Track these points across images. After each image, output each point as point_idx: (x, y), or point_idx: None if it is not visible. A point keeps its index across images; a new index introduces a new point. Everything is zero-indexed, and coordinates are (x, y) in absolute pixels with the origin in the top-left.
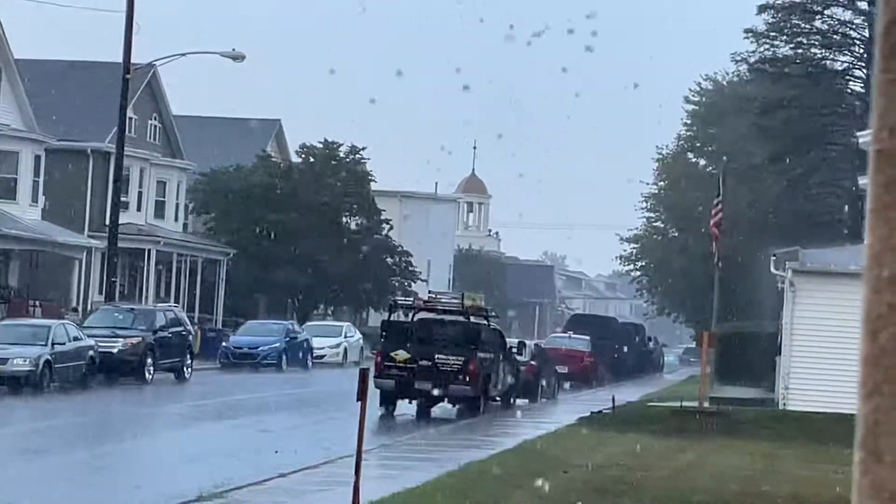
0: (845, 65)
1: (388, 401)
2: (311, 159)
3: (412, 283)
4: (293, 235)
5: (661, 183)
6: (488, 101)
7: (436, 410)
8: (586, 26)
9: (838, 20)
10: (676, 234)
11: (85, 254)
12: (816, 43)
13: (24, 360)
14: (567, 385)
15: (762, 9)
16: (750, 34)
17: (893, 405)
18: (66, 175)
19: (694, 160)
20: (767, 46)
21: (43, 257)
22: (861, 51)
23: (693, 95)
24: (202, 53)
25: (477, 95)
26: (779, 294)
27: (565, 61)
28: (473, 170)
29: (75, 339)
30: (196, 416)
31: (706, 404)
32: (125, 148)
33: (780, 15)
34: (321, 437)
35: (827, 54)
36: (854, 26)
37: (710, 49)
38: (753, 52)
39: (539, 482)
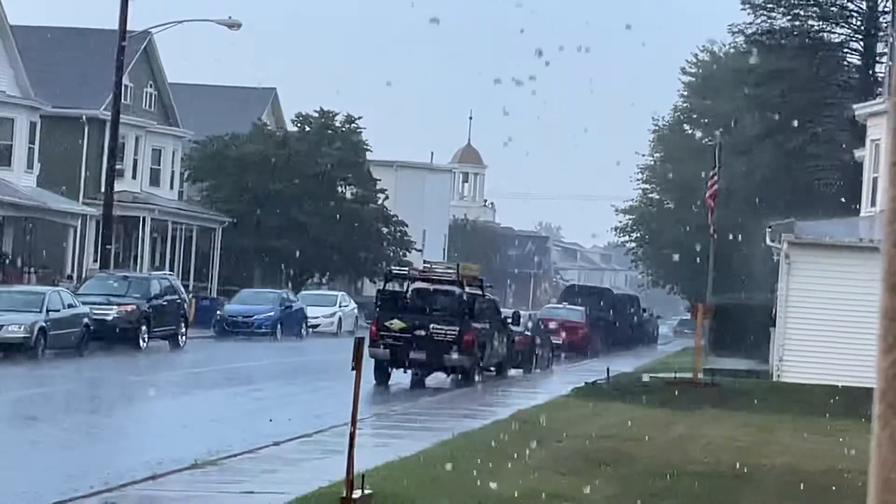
0: (842, 37)
1: (382, 370)
2: (307, 128)
3: (407, 253)
4: (288, 204)
5: (657, 154)
6: (485, 72)
7: (430, 380)
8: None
9: None
10: (672, 206)
11: (80, 221)
12: (814, 15)
13: (19, 327)
14: (561, 356)
15: None
16: (747, 5)
17: None
18: (61, 142)
19: (690, 132)
20: (765, 18)
21: (38, 224)
22: (858, 23)
23: (690, 67)
24: (198, 21)
25: (474, 67)
26: (774, 266)
27: (566, 35)
28: (469, 140)
29: (70, 306)
30: (190, 384)
31: (700, 375)
32: (121, 115)
33: None
34: (315, 405)
35: (824, 26)
36: None
37: (709, 20)
38: (751, 23)
39: (532, 452)
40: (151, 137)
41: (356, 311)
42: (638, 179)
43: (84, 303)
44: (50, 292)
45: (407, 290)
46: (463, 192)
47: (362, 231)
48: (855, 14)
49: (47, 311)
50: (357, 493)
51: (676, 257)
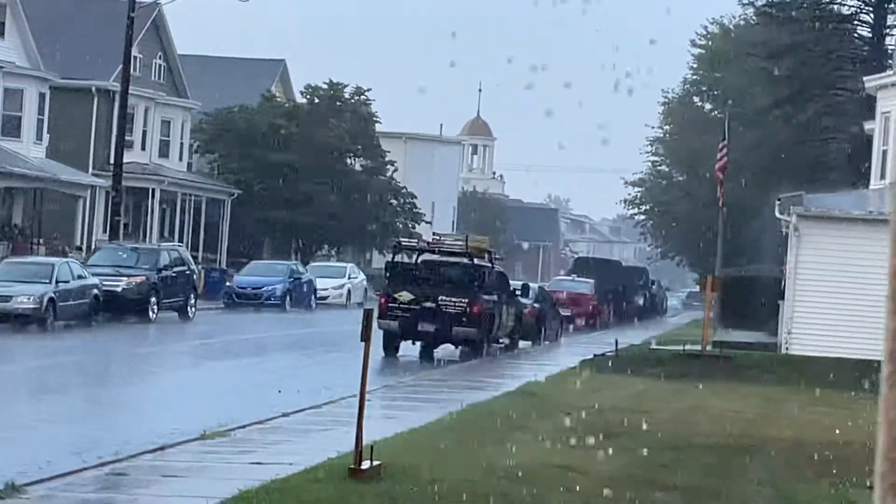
0: (853, 9)
1: (391, 342)
2: (316, 100)
3: (416, 225)
4: (297, 176)
5: (667, 127)
6: (494, 45)
7: (439, 352)
8: None
9: None
10: (681, 179)
11: (89, 192)
12: None
13: (28, 298)
14: (570, 328)
15: None
16: None
17: None
18: (70, 113)
19: (700, 104)
20: None
21: (47, 195)
22: None
23: (700, 39)
24: None
25: (483, 39)
26: (783, 238)
27: (573, 10)
28: (479, 112)
29: (79, 277)
30: (199, 356)
31: (709, 348)
32: (130, 87)
33: None
34: (324, 377)
35: None
36: None
37: None
38: None
39: (541, 424)
40: (160, 109)
41: (365, 282)
42: (647, 152)
43: (93, 274)
44: (59, 263)
45: (416, 262)
46: (472, 165)
47: (371, 203)
48: None
49: (57, 282)
50: (366, 464)
51: (685, 230)
